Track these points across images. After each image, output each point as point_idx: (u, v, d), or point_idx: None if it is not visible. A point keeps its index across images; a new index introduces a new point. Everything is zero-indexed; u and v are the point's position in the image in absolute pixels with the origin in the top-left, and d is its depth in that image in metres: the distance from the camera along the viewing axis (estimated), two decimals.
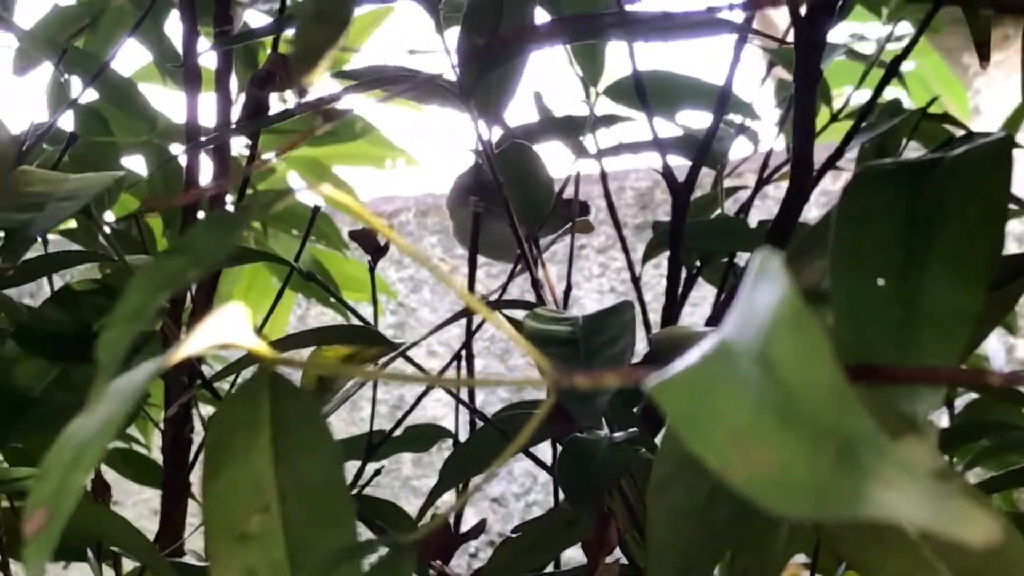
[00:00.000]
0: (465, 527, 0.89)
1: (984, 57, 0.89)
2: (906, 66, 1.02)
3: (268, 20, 1.10)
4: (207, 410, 1.13)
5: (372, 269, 0.95)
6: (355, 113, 1.47)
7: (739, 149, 1.14)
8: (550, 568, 0.96)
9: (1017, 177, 0.51)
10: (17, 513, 0.95)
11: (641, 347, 0.74)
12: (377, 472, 1.02)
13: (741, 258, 1.06)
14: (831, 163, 0.93)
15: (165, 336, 0.89)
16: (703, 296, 1.35)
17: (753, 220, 1.05)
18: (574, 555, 0.85)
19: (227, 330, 0.36)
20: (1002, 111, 1.35)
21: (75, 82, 1.22)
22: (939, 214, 0.47)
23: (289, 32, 0.99)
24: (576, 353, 0.64)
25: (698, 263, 1.06)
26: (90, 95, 1.23)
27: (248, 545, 0.41)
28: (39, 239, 0.83)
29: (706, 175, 1.04)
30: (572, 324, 0.68)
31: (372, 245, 0.92)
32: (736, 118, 1.12)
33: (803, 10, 0.77)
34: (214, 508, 0.41)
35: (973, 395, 1.06)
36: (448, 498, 0.91)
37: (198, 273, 0.38)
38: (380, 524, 0.92)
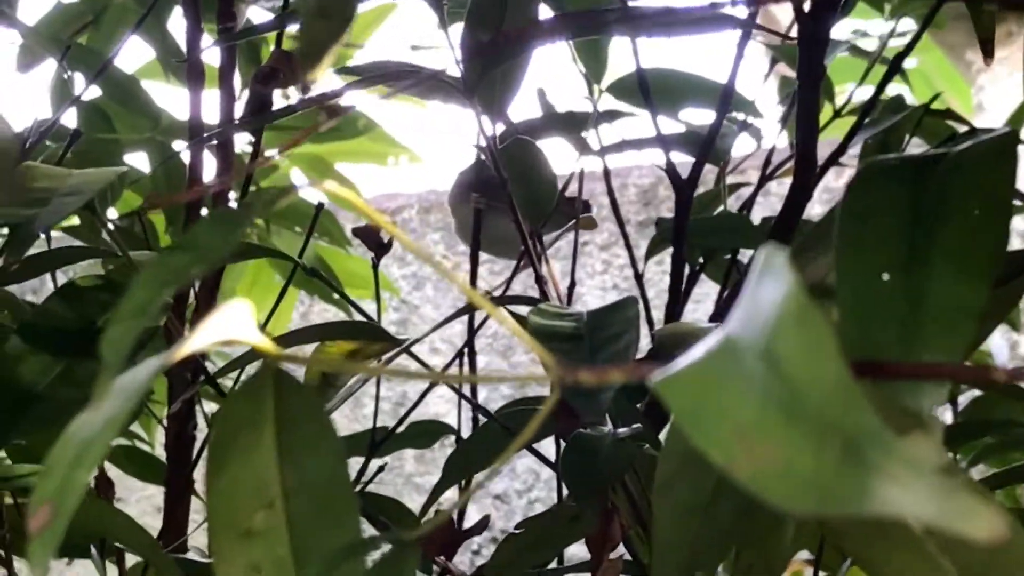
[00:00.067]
0: (468, 524, 0.89)
1: (988, 53, 0.89)
2: (909, 63, 1.02)
3: (271, 16, 1.10)
4: (210, 407, 1.13)
5: (375, 266, 0.94)
6: (358, 110, 1.47)
7: (742, 146, 1.14)
8: (553, 565, 0.97)
9: (1022, 173, 0.51)
10: (21, 510, 0.95)
11: (644, 344, 0.74)
12: (380, 469, 1.02)
13: (744, 255, 1.05)
14: (834, 159, 0.93)
15: (169, 333, 0.89)
16: (706, 293, 1.35)
17: (756, 217, 1.05)
18: (577, 552, 0.85)
19: (231, 326, 0.36)
20: (1006, 107, 1.35)
21: (78, 79, 1.22)
22: (943, 210, 0.47)
23: (292, 28, 0.99)
24: (580, 349, 0.64)
25: (701, 260, 1.06)
26: (93, 92, 1.23)
27: (252, 542, 0.41)
28: (42, 235, 0.83)
29: (709, 172, 1.04)
30: (576, 320, 0.68)
31: (375, 242, 0.92)
32: (739, 115, 1.12)
33: (806, 6, 0.77)
34: (218, 505, 0.41)
35: (977, 392, 1.05)
36: (451, 495, 0.91)
37: (202, 270, 0.38)
38: (383, 521, 0.92)
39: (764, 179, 1.11)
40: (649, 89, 0.98)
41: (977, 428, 0.98)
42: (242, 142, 1.31)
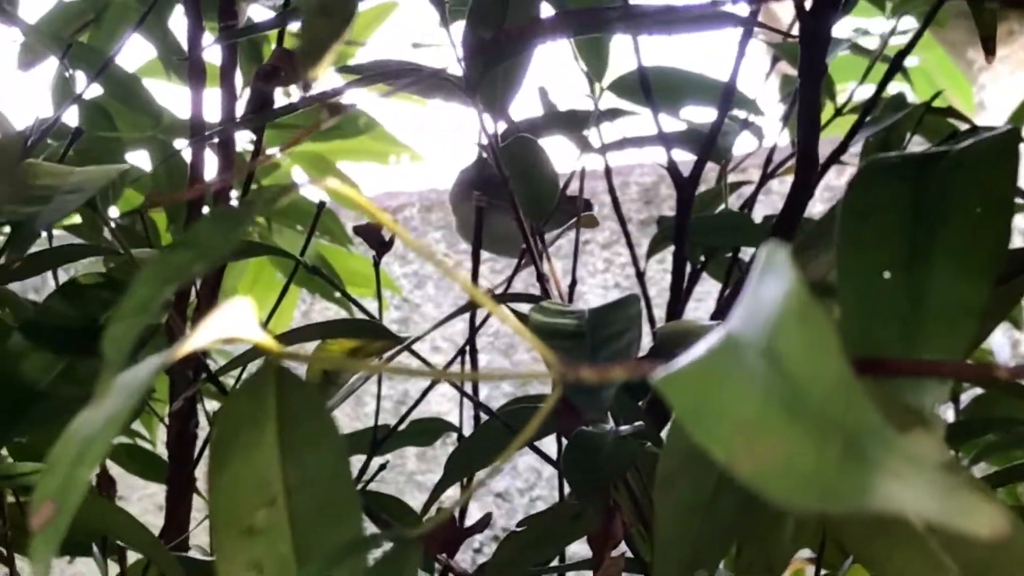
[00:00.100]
0: (470, 522, 0.89)
1: (989, 51, 0.89)
2: (910, 61, 1.02)
3: (272, 15, 1.10)
4: (212, 405, 1.13)
5: (376, 264, 0.94)
6: (359, 108, 1.47)
7: (743, 145, 1.14)
8: (555, 563, 0.97)
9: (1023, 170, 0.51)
10: (23, 508, 0.95)
11: (646, 342, 0.74)
12: (382, 467, 1.02)
13: (745, 253, 1.05)
14: (835, 157, 0.93)
15: (170, 331, 0.89)
16: (707, 291, 1.35)
17: (758, 215, 1.05)
18: (579, 550, 0.85)
19: (233, 324, 0.36)
20: (1007, 106, 1.35)
21: (80, 77, 1.22)
22: (944, 207, 0.47)
23: (294, 26, 0.99)
24: (582, 347, 0.64)
25: (702, 258, 1.06)
26: (95, 90, 1.23)
27: (254, 539, 0.41)
28: (44, 234, 0.83)
29: (710, 170, 1.04)
30: (578, 318, 0.68)
31: (376, 240, 0.92)
32: (740, 113, 1.12)
33: (808, 4, 0.77)
34: (220, 502, 0.41)
35: (979, 390, 1.05)
36: (453, 493, 0.91)
37: (203, 267, 0.38)
38: (385, 519, 0.92)
39: (765, 177, 1.11)
40: (650, 87, 0.98)
41: (979, 426, 0.98)
42: (243, 141, 1.31)
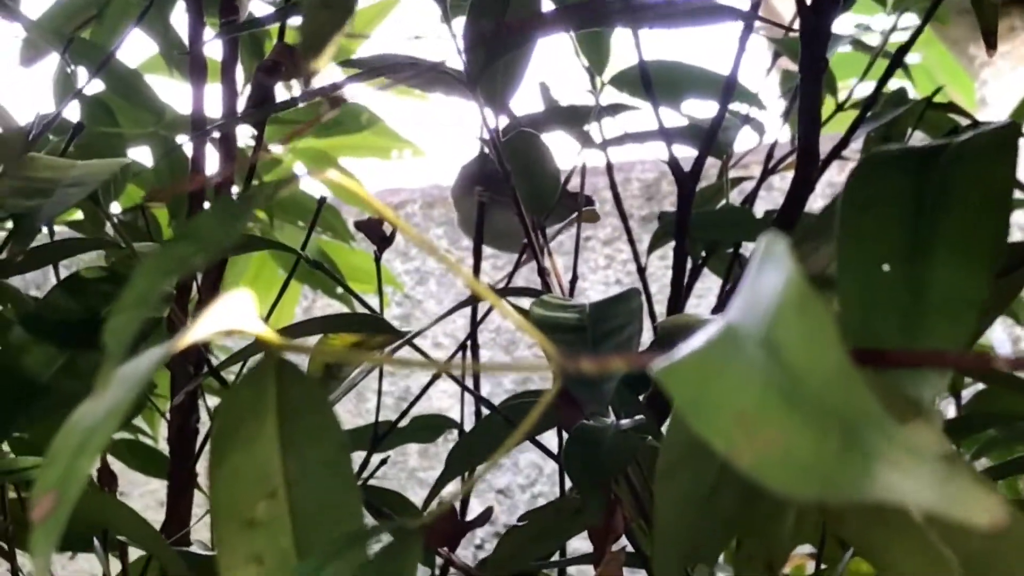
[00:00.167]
0: (471, 518, 0.89)
1: (991, 45, 0.89)
2: (912, 58, 1.02)
3: (273, 10, 1.10)
4: (213, 400, 1.13)
5: (378, 259, 0.95)
6: (361, 104, 1.47)
7: (744, 141, 1.14)
8: (556, 557, 0.97)
9: (1023, 165, 0.51)
10: (24, 503, 0.95)
11: (647, 338, 0.74)
12: (383, 462, 1.02)
13: (746, 249, 1.05)
14: (836, 152, 0.93)
15: (172, 325, 0.89)
16: (708, 288, 1.35)
17: (759, 211, 1.05)
18: (579, 546, 0.85)
19: (233, 316, 0.36)
20: (1009, 102, 1.35)
21: (82, 73, 1.22)
22: (944, 200, 0.47)
23: (295, 21, 0.99)
24: (583, 340, 0.64)
25: (703, 254, 1.06)
26: (97, 86, 1.23)
27: (255, 531, 0.41)
28: (46, 229, 0.83)
29: (712, 166, 1.04)
30: (579, 311, 0.68)
31: (378, 235, 0.92)
32: (742, 108, 1.12)
33: None
34: (221, 494, 0.41)
35: (980, 386, 1.05)
36: (454, 489, 0.91)
37: (204, 259, 0.38)
38: (387, 512, 0.92)
39: (767, 173, 1.11)
40: (651, 81, 0.98)
41: (981, 421, 0.98)
42: (245, 137, 1.31)
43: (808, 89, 0.80)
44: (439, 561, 0.91)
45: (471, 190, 1.07)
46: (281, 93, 0.99)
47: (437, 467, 0.88)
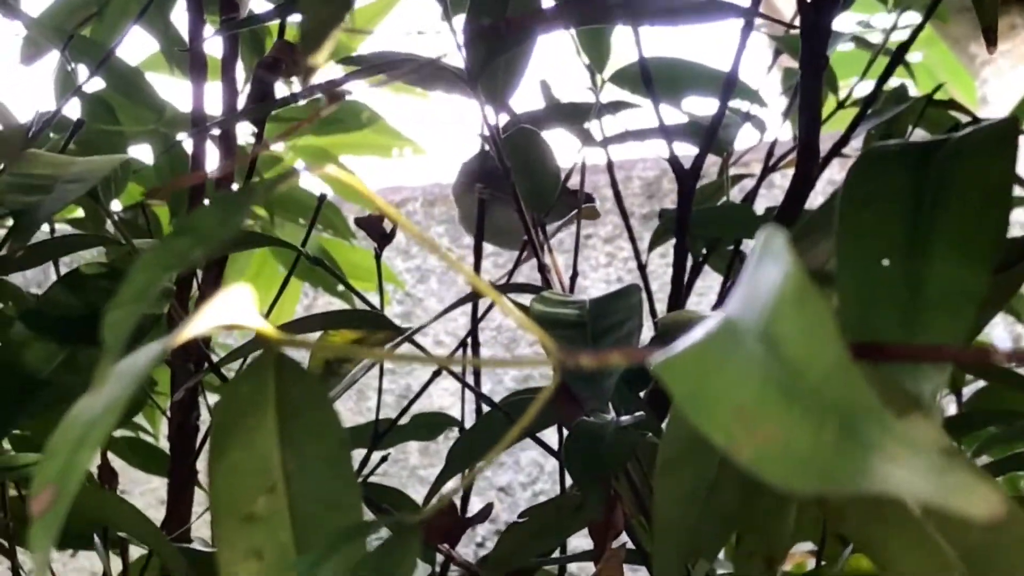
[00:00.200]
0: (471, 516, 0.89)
1: (991, 42, 0.89)
2: (913, 56, 1.02)
3: (272, 7, 1.10)
4: (214, 398, 1.13)
5: (378, 256, 0.94)
6: (362, 102, 1.47)
7: (745, 138, 1.14)
8: (556, 554, 0.97)
9: (1022, 161, 0.51)
10: (24, 500, 0.95)
11: (648, 335, 0.74)
12: (383, 459, 1.02)
13: (747, 246, 1.05)
14: (837, 150, 0.93)
15: (172, 322, 0.89)
16: (709, 286, 1.35)
17: (759, 209, 1.05)
18: (580, 543, 0.85)
19: (232, 311, 0.36)
20: (1009, 100, 1.35)
21: (82, 71, 1.22)
22: (943, 195, 0.47)
23: (294, 18, 0.99)
24: (583, 336, 0.64)
25: (704, 251, 1.06)
26: (97, 84, 1.23)
27: (254, 526, 0.41)
28: (46, 227, 0.83)
29: (712, 164, 1.04)
30: (579, 307, 0.68)
31: (378, 232, 0.92)
32: (742, 106, 1.11)
33: None
34: (220, 489, 0.41)
35: (981, 383, 1.05)
36: (455, 486, 0.91)
37: (203, 253, 0.38)
38: (387, 508, 0.92)
39: (767, 170, 1.11)
40: (652, 78, 0.98)
41: (981, 419, 0.98)
42: (245, 135, 1.31)
43: (808, 86, 0.80)
44: (440, 558, 0.91)
45: (472, 187, 1.07)
46: (281, 90, 0.99)
47: (438, 465, 0.87)
